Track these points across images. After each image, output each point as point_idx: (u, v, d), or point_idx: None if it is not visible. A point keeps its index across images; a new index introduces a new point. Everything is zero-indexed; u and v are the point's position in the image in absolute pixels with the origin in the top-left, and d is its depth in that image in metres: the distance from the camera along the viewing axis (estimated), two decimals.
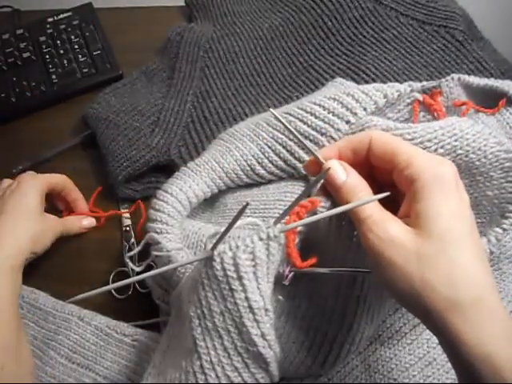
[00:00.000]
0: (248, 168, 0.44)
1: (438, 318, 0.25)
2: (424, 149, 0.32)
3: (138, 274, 0.36)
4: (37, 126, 0.62)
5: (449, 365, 0.37)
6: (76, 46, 0.66)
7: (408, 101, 0.42)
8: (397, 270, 0.25)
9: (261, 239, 0.28)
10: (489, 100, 0.45)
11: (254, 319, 0.27)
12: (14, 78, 0.64)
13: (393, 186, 0.29)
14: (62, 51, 0.65)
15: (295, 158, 0.43)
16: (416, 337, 0.38)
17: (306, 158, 0.43)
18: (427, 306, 0.25)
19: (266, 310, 0.28)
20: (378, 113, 0.42)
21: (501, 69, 0.56)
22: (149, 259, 0.40)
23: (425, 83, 0.43)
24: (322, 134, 0.42)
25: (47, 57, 0.65)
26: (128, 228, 0.51)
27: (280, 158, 0.44)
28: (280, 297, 0.33)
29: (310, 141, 0.42)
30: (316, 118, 0.42)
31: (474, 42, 0.59)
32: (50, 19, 0.69)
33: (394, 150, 0.28)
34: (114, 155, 0.53)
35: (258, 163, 0.44)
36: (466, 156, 0.33)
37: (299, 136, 0.31)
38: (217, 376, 0.28)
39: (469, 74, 0.45)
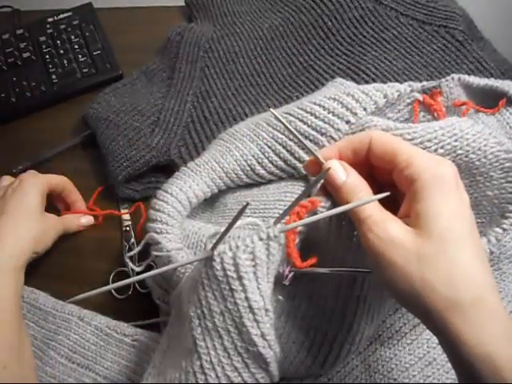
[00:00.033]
0: (248, 168, 0.44)
1: (438, 318, 0.25)
2: (424, 149, 0.32)
3: (138, 273, 0.36)
4: (37, 126, 0.62)
5: (449, 365, 0.37)
6: (76, 46, 0.66)
7: (408, 101, 0.42)
8: (397, 270, 0.25)
9: (261, 239, 0.28)
10: (489, 100, 0.45)
11: (254, 319, 0.27)
12: (14, 78, 0.64)
13: (393, 186, 0.29)
14: (61, 51, 0.65)
15: (295, 158, 0.43)
16: (416, 337, 0.38)
17: (306, 157, 0.43)
18: (427, 306, 0.25)
19: (266, 310, 0.28)
20: (378, 113, 0.42)
21: (501, 69, 0.56)
22: (149, 259, 0.40)
23: (425, 83, 0.43)
24: (322, 134, 0.42)
25: (47, 57, 0.65)
26: (128, 228, 0.51)
27: (280, 158, 0.44)
28: (280, 297, 0.33)
29: (310, 141, 0.42)
30: (316, 117, 0.42)
31: (474, 41, 0.59)
32: (50, 19, 0.69)
33: (394, 150, 0.28)
34: (114, 155, 0.53)
35: (258, 163, 0.44)
36: (466, 156, 0.33)
37: (299, 136, 0.31)
38: (217, 376, 0.28)
39: (469, 74, 0.45)
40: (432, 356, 0.38)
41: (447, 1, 0.63)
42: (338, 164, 0.29)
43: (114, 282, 0.48)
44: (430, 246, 0.25)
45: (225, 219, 0.46)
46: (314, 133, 0.42)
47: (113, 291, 0.47)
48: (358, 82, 0.56)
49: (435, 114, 0.42)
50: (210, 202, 0.48)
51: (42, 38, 0.67)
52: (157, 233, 0.40)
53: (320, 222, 0.31)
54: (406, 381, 0.37)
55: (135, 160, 0.52)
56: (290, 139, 0.43)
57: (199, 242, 0.42)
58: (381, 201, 0.28)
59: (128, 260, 0.44)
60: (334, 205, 0.31)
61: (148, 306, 0.44)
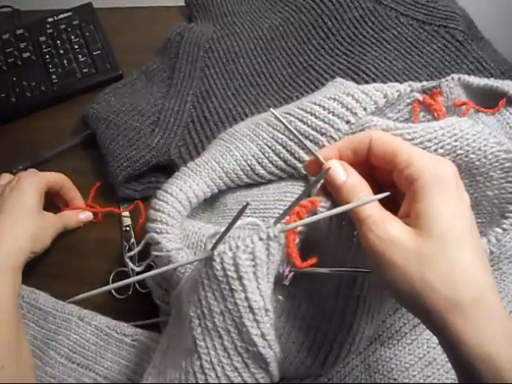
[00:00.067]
0: (248, 168, 0.44)
1: (438, 318, 0.25)
2: (424, 149, 0.32)
3: (138, 273, 0.36)
4: (37, 126, 0.62)
5: (449, 365, 0.37)
6: (76, 46, 0.66)
7: (408, 101, 0.42)
8: (397, 270, 0.25)
9: (261, 239, 0.28)
10: (489, 100, 0.45)
11: (253, 319, 0.27)
12: (14, 78, 0.64)
13: (393, 186, 0.29)
14: (62, 51, 0.65)
15: (295, 158, 0.43)
16: (416, 337, 0.38)
17: (306, 157, 0.43)
18: (427, 306, 0.25)
19: (266, 310, 0.28)
20: (378, 113, 0.42)
21: (501, 69, 0.56)
22: (149, 259, 0.40)
23: (425, 83, 0.43)
24: (322, 134, 0.42)
25: (47, 57, 0.65)
26: (128, 228, 0.51)
27: (280, 158, 0.44)
28: (280, 297, 0.33)
29: (310, 141, 0.42)
30: (316, 117, 0.42)
31: (474, 41, 0.59)
32: (50, 19, 0.69)
33: (394, 149, 0.28)
34: (114, 155, 0.53)
35: (258, 163, 0.44)
36: (466, 156, 0.33)
37: (299, 136, 0.31)
38: (217, 376, 0.28)
39: (469, 74, 0.45)
40: (432, 356, 0.38)
41: (447, 1, 0.63)
42: (338, 164, 0.30)
43: (114, 281, 0.48)
44: (430, 246, 0.25)
45: (225, 219, 0.46)
46: (313, 133, 0.42)
47: (113, 291, 0.47)
48: (358, 82, 0.56)
49: (435, 114, 0.42)
50: (210, 202, 0.48)
51: (42, 38, 0.67)
52: (157, 233, 0.40)
53: (320, 222, 0.31)
54: (406, 381, 0.37)
55: (135, 160, 0.52)
56: (290, 139, 0.43)
57: (199, 242, 0.42)
58: (381, 201, 0.28)
59: (128, 260, 0.44)
60: (334, 205, 0.31)
61: (148, 305, 0.44)
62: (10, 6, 0.76)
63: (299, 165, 0.43)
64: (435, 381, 0.37)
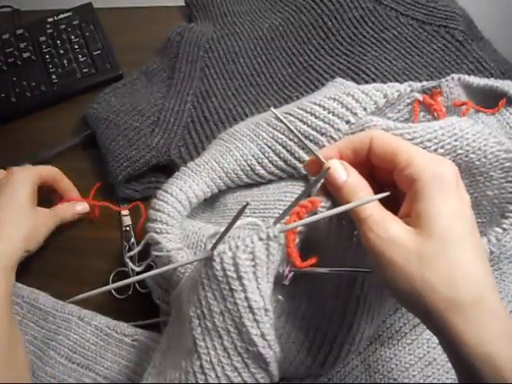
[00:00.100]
0: (248, 168, 0.44)
1: (439, 318, 0.25)
2: (424, 149, 0.32)
3: (138, 273, 0.36)
4: (37, 126, 0.62)
5: (449, 365, 0.37)
6: (76, 46, 0.66)
7: (408, 101, 0.42)
8: (397, 269, 0.25)
9: (261, 239, 0.28)
10: (489, 100, 0.45)
11: (253, 319, 0.27)
12: (14, 78, 0.64)
13: (393, 186, 0.29)
14: (62, 51, 0.65)
15: (295, 157, 0.43)
16: (416, 337, 0.38)
17: (306, 157, 0.43)
18: (427, 306, 0.25)
19: (266, 309, 0.28)
20: (378, 113, 0.42)
21: (501, 69, 0.56)
22: (149, 259, 0.40)
23: (425, 83, 0.43)
24: (322, 134, 0.42)
25: (47, 57, 0.65)
26: (128, 228, 0.51)
27: (280, 158, 0.44)
28: (280, 297, 0.33)
29: (310, 141, 0.42)
30: (316, 117, 0.42)
31: (474, 41, 0.59)
32: (50, 19, 0.69)
33: (395, 149, 0.28)
34: (114, 155, 0.53)
35: (258, 163, 0.44)
36: (466, 156, 0.33)
37: (299, 135, 0.31)
38: (217, 376, 0.28)
39: (469, 74, 0.45)
40: (432, 356, 0.38)
41: (447, 1, 0.63)
42: (338, 163, 0.29)
43: (114, 281, 0.48)
44: (430, 246, 0.25)
45: (225, 219, 0.46)
46: (313, 133, 0.42)
47: (113, 291, 0.47)
48: (358, 82, 0.56)
49: (435, 114, 0.42)
50: (210, 202, 0.48)
51: (42, 38, 0.67)
52: (157, 233, 0.40)
53: (320, 222, 0.31)
54: (406, 381, 0.37)
55: (135, 160, 0.52)
56: (290, 139, 0.43)
57: (199, 242, 0.42)
58: (381, 200, 0.28)
59: (128, 260, 0.44)
60: (335, 205, 0.31)
61: (148, 305, 0.44)
62: (10, 5, 0.76)
63: (299, 165, 0.43)
64: (435, 381, 0.37)
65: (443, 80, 0.44)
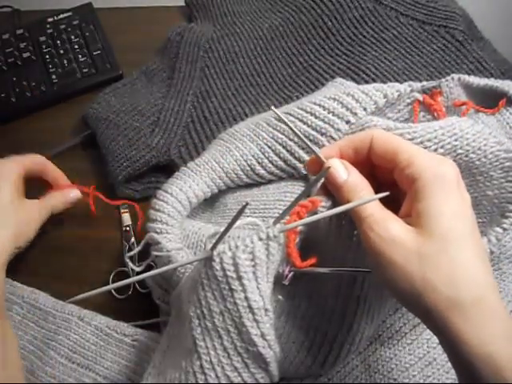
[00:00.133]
0: (248, 168, 0.44)
1: (439, 318, 0.25)
2: (424, 148, 0.32)
3: (138, 273, 0.36)
4: (37, 126, 0.62)
5: (449, 365, 0.37)
6: (76, 46, 0.66)
7: (408, 101, 0.42)
8: (397, 269, 0.25)
9: (260, 239, 0.28)
10: (489, 100, 0.45)
11: (253, 319, 0.27)
12: (14, 78, 0.64)
13: (394, 185, 0.29)
14: (62, 51, 0.66)
15: (295, 157, 0.43)
16: (416, 337, 0.38)
17: (306, 157, 0.43)
18: (428, 306, 0.25)
19: (266, 309, 0.28)
20: (378, 113, 0.42)
21: (501, 69, 0.56)
22: (149, 259, 0.40)
23: (425, 83, 0.43)
24: (322, 134, 0.42)
25: (47, 57, 0.65)
26: (128, 228, 0.51)
27: (280, 158, 0.44)
28: (280, 297, 0.33)
29: (310, 141, 0.42)
30: (316, 117, 0.42)
31: (474, 41, 0.59)
32: (50, 19, 0.69)
33: (396, 148, 0.28)
34: (114, 155, 0.53)
35: (258, 163, 0.44)
36: (466, 156, 0.33)
37: (300, 134, 0.31)
38: (216, 376, 0.28)
39: (469, 74, 0.45)
40: (432, 356, 0.38)
41: (447, 1, 0.63)
42: (339, 163, 0.29)
43: (114, 282, 0.48)
44: (431, 246, 0.25)
45: (225, 219, 0.46)
46: (314, 133, 0.42)
47: (113, 291, 0.47)
48: (358, 82, 0.56)
49: (435, 114, 0.42)
50: (210, 202, 0.48)
51: (42, 38, 0.67)
52: (157, 233, 0.40)
53: (320, 222, 0.31)
54: (406, 381, 0.37)
55: (135, 160, 0.52)
56: (290, 139, 0.43)
57: (199, 242, 0.42)
58: (382, 200, 0.28)
59: (128, 260, 0.44)
60: (335, 204, 0.31)
61: (148, 305, 0.44)
62: (10, 5, 0.76)
63: (299, 165, 0.43)
64: (435, 381, 0.37)
65: (443, 80, 0.44)
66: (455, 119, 0.33)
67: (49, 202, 0.47)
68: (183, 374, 0.29)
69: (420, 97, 0.42)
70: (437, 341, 0.38)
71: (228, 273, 0.27)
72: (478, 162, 0.33)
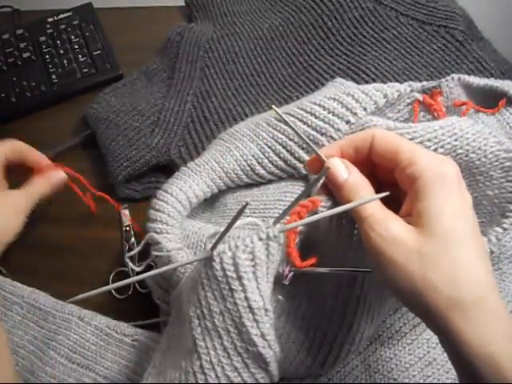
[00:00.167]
0: (248, 168, 0.44)
1: (440, 318, 0.25)
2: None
3: (138, 273, 0.36)
4: (37, 126, 0.62)
5: (449, 365, 0.37)
6: (76, 46, 0.66)
7: (408, 101, 0.42)
8: (398, 268, 0.25)
9: (260, 239, 0.28)
10: (489, 100, 0.45)
11: (253, 319, 0.27)
12: (14, 78, 0.64)
13: (394, 185, 0.29)
14: (62, 51, 0.66)
15: (295, 157, 0.43)
16: (416, 337, 0.38)
17: (306, 157, 0.43)
18: (429, 305, 0.25)
19: (266, 309, 0.28)
20: (378, 113, 0.42)
21: (501, 69, 0.56)
22: (149, 259, 0.40)
23: (425, 83, 0.43)
24: (322, 134, 0.42)
25: (47, 57, 0.65)
26: (128, 228, 0.51)
27: (280, 158, 0.44)
28: (280, 297, 0.33)
29: (310, 141, 0.42)
30: (316, 117, 0.42)
31: (474, 41, 0.59)
32: (50, 19, 0.69)
33: (397, 148, 0.28)
34: (114, 155, 0.53)
35: (258, 163, 0.44)
36: (466, 155, 0.33)
37: (300, 133, 0.31)
38: (216, 376, 0.28)
39: (469, 74, 0.45)
40: (432, 356, 0.38)
41: (447, 1, 0.63)
42: (339, 162, 0.29)
43: (114, 282, 0.48)
44: (432, 245, 0.25)
45: (225, 219, 0.46)
46: (314, 133, 0.42)
47: (113, 291, 0.47)
48: (358, 82, 0.56)
49: (435, 114, 0.42)
50: (210, 202, 0.48)
51: (42, 38, 0.67)
52: (157, 233, 0.40)
53: (320, 222, 0.31)
54: (406, 381, 0.37)
55: (135, 160, 0.52)
56: (290, 139, 0.43)
57: (199, 242, 0.42)
58: (382, 199, 0.28)
59: (128, 260, 0.44)
60: (335, 204, 0.31)
61: (148, 305, 0.44)
62: (10, 5, 0.76)
63: (299, 165, 0.43)
64: (435, 381, 0.37)
65: (443, 80, 0.44)
66: (455, 119, 0.33)
67: (34, 190, 0.43)
68: (183, 374, 0.29)
69: (420, 97, 0.42)
70: (437, 341, 0.38)
71: (228, 273, 0.27)
72: (477, 162, 0.33)
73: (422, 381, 0.37)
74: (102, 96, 0.59)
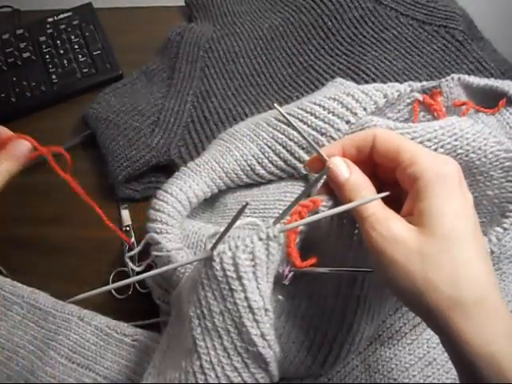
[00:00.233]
0: (248, 168, 0.44)
1: (441, 317, 0.24)
2: None
3: (138, 273, 0.36)
4: (37, 126, 0.62)
5: (449, 365, 0.37)
6: (76, 46, 0.66)
7: (408, 101, 0.42)
8: (399, 268, 0.25)
9: (260, 239, 0.27)
10: (489, 100, 0.45)
11: (253, 319, 0.27)
12: (14, 78, 0.64)
13: (395, 185, 0.29)
14: (62, 51, 0.66)
15: (295, 157, 0.43)
16: (416, 337, 0.38)
17: (306, 157, 0.43)
18: (429, 305, 0.25)
19: (266, 309, 0.28)
20: (378, 113, 0.42)
21: (501, 69, 0.56)
22: (149, 259, 0.40)
23: (425, 83, 0.43)
24: (322, 134, 0.42)
25: (47, 57, 0.65)
26: (128, 228, 0.51)
27: (280, 158, 0.44)
28: (280, 296, 0.33)
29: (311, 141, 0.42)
30: (316, 118, 0.42)
31: (474, 41, 0.59)
32: (50, 19, 0.69)
33: (398, 147, 0.28)
34: (114, 155, 0.53)
35: (258, 163, 0.44)
36: (466, 155, 0.33)
37: (303, 132, 0.31)
38: (216, 376, 0.28)
39: (469, 74, 0.45)
40: (432, 356, 0.38)
41: (447, 1, 0.63)
42: (341, 161, 0.29)
43: (114, 282, 0.48)
44: (433, 245, 0.25)
45: (225, 219, 0.46)
46: (314, 133, 0.42)
47: (113, 291, 0.47)
48: (358, 82, 0.56)
49: (435, 114, 0.42)
50: (210, 202, 0.48)
51: (42, 38, 0.67)
52: (157, 233, 0.40)
53: (321, 221, 0.31)
54: (406, 381, 0.37)
55: (135, 160, 0.52)
56: (290, 139, 0.43)
57: (199, 242, 0.42)
58: (384, 199, 0.28)
59: (128, 260, 0.44)
60: (336, 204, 0.31)
61: (148, 305, 0.44)
62: (10, 5, 0.76)
63: (299, 165, 0.43)
64: (435, 381, 0.37)
65: (443, 80, 0.44)
66: (455, 119, 0.33)
67: (1, 168, 0.39)
68: (183, 374, 0.29)
69: (420, 97, 0.42)
70: (437, 341, 0.38)
71: (228, 273, 0.27)
72: (478, 162, 0.33)
73: (422, 381, 0.37)
74: (101, 96, 0.59)
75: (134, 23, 0.72)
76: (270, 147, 0.44)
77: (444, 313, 0.24)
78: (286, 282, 0.31)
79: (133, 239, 0.51)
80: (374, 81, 0.57)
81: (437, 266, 0.25)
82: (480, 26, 0.62)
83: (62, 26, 0.68)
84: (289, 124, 0.43)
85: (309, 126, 0.42)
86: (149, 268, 0.42)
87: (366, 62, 0.59)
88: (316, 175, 0.28)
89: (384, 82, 0.49)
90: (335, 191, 0.30)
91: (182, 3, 0.72)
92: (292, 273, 0.31)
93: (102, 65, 0.65)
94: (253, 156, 0.44)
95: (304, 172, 0.44)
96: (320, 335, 0.33)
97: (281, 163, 0.44)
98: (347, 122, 0.41)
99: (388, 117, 0.43)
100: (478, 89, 0.44)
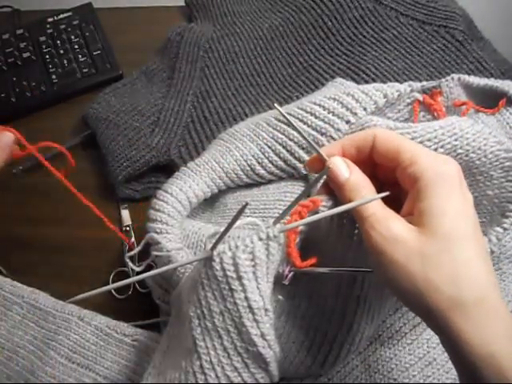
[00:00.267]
0: (248, 168, 0.44)
1: (441, 317, 0.24)
2: None
3: (138, 273, 0.36)
4: (37, 126, 0.62)
5: (449, 365, 0.37)
6: (76, 46, 0.66)
7: (408, 101, 0.42)
8: (399, 268, 0.25)
9: (260, 239, 0.27)
10: (489, 100, 0.45)
11: (253, 319, 0.27)
12: (14, 78, 0.64)
13: (395, 185, 0.29)
14: (62, 51, 0.66)
15: (295, 157, 0.43)
16: (416, 337, 0.38)
17: (306, 157, 0.43)
18: (430, 305, 0.25)
19: (266, 309, 0.28)
20: (378, 113, 0.42)
21: (501, 69, 0.56)
22: (149, 259, 0.40)
23: (425, 83, 0.43)
24: (322, 134, 0.42)
25: (47, 57, 0.65)
26: (128, 228, 0.51)
27: (280, 158, 0.44)
28: (280, 296, 0.33)
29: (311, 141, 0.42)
30: (316, 118, 0.42)
31: (474, 41, 0.59)
32: (50, 19, 0.69)
33: (398, 147, 0.28)
34: (114, 155, 0.53)
35: (258, 163, 0.44)
36: (466, 155, 0.33)
37: (303, 132, 0.31)
38: (216, 376, 0.28)
39: (469, 74, 0.45)
40: (432, 356, 0.38)
41: (447, 1, 0.63)
42: (341, 161, 0.29)
43: (114, 282, 0.48)
44: (433, 245, 0.25)
45: (225, 219, 0.46)
46: (314, 133, 0.42)
47: (113, 291, 0.47)
48: (358, 82, 0.56)
49: (435, 114, 0.42)
50: (210, 202, 0.48)
51: (42, 38, 0.67)
52: (157, 233, 0.40)
53: (321, 221, 0.31)
54: (406, 381, 0.37)
55: (135, 160, 0.52)
56: (290, 139, 0.43)
57: (199, 242, 0.42)
58: (384, 199, 0.28)
59: (128, 260, 0.44)
60: (336, 204, 0.31)
61: (148, 305, 0.44)
62: (10, 5, 0.76)
63: (299, 165, 0.43)
64: (435, 381, 0.37)
65: (443, 80, 0.44)
66: (455, 119, 0.33)
67: None
68: (183, 374, 0.29)
69: (420, 97, 0.42)
70: (437, 341, 0.38)
71: (228, 273, 0.27)
72: (478, 162, 0.33)
73: (422, 381, 0.37)
74: (101, 96, 0.59)
75: (134, 23, 0.72)
76: (270, 147, 0.44)
77: (444, 313, 0.24)
78: (286, 282, 0.31)
79: (133, 239, 0.51)
80: (374, 81, 0.57)
81: (437, 266, 0.25)
82: (480, 26, 0.62)
83: (62, 26, 0.68)
84: (289, 124, 0.43)
85: (309, 125, 0.42)
86: (149, 268, 0.42)
87: (365, 62, 0.59)
88: (316, 175, 0.28)
89: (384, 82, 0.49)
90: (335, 191, 0.30)
91: (182, 3, 0.72)
92: (292, 273, 0.31)
93: (102, 65, 0.65)
94: (253, 156, 0.44)
95: (304, 172, 0.44)
96: (320, 335, 0.33)
97: (281, 163, 0.44)
98: (347, 122, 0.41)
99: (388, 117, 0.43)
100: (477, 89, 0.44)
